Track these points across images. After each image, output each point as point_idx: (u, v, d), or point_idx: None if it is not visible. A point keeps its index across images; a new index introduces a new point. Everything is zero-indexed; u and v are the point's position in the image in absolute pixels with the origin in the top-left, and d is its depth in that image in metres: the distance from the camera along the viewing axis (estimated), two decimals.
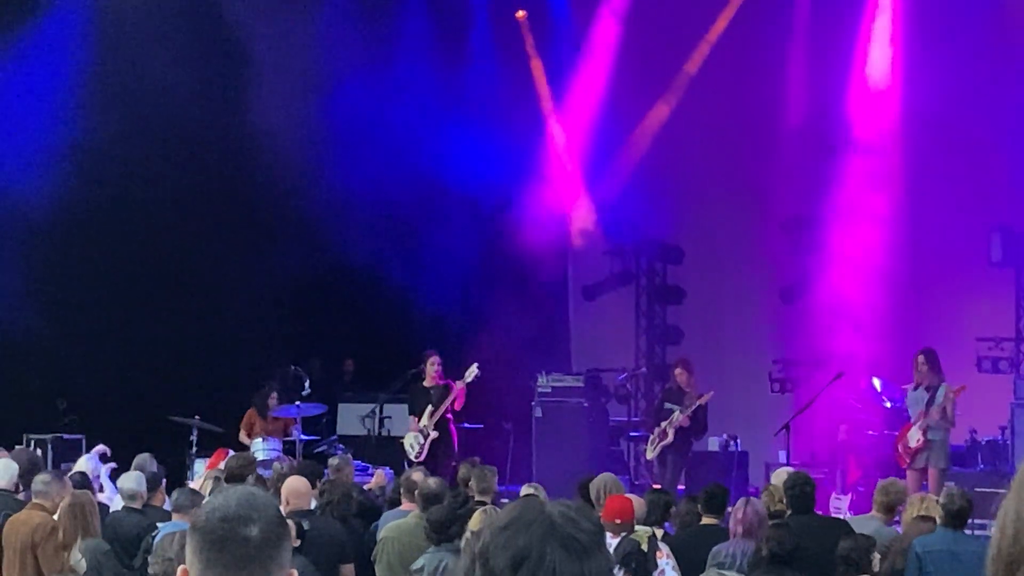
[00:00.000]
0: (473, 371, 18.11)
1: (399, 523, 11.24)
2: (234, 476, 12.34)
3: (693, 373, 18.30)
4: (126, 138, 19.28)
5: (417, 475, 12.29)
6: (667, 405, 18.21)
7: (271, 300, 20.55)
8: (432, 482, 11.50)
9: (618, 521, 10.27)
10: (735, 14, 21.90)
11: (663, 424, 17.97)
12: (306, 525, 10.99)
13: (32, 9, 19.22)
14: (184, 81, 19.03)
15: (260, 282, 20.11)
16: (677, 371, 18.42)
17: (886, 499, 11.75)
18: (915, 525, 10.88)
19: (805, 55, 21.39)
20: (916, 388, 16.17)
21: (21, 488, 12.21)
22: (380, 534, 11.17)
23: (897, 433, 16.66)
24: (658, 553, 10.21)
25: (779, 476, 12.62)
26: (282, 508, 10.86)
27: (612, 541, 10.08)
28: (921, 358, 16.26)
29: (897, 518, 11.90)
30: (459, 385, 18.21)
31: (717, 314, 22.06)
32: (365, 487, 14.88)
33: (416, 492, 11.60)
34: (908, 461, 15.89)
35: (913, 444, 15.83)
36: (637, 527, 10.46)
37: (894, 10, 21.00)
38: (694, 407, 17.84)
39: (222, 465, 14.51)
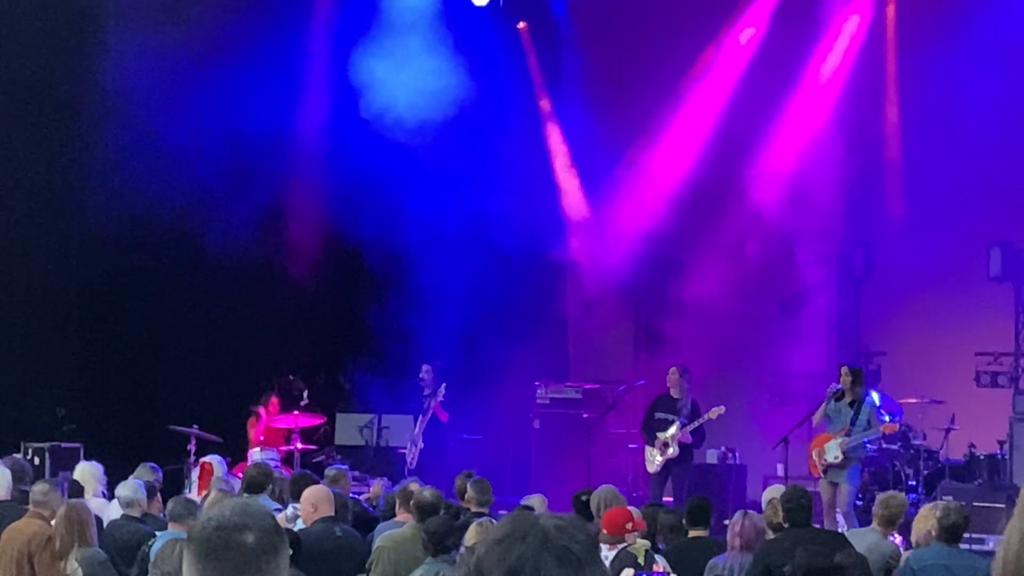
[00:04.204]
0: (441, 390, 18.44)
1: (394, 533, 11.19)
2: (255, 485, 12.31)
3: (687, 381, 18.17)
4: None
5: (414, 486, 12.26)
6: (658, 415, 18.00)
7: (271, 309, 20.55)
8: (427, 493, 11.43)
9: (615, 533, 10.27)
10: (737, 25, 21.95)
11: (663, 436, 17.78)
12: (339, 531, 11.05)
13: None
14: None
15: (259, 291, 20.12)
16: (672, 379, 18.25)
17: (886, 512, 11.71)
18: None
19: (808, 66, 21.42)
20: (840, 400, 16.17)
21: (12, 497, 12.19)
22: (375, 543, 11.12)
23: (812, 440, 16.63)
24: (655, 566, 10.20)
25: (773, 492, 12.58)
26: (309, 516, 11.00)
27: (609, 554, 10.07)
28: (844, 370, 16.38)
29: (893, 535, 11.87)
30: (433, 403, 18.53)
31: (716, 326, 22.02)
32: (362, 496, 14.88)
33: (411, 503, 11.58)
34: (821, 473, 15.98)
35: (831, 458, 15.90)
36: (636, 540, 10.45)
37: (892, 25, 21.05)
38: (701, 422, 17.67)
39: (220, 474, 14.49)
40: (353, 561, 11.06)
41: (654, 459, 17.80)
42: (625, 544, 10.25)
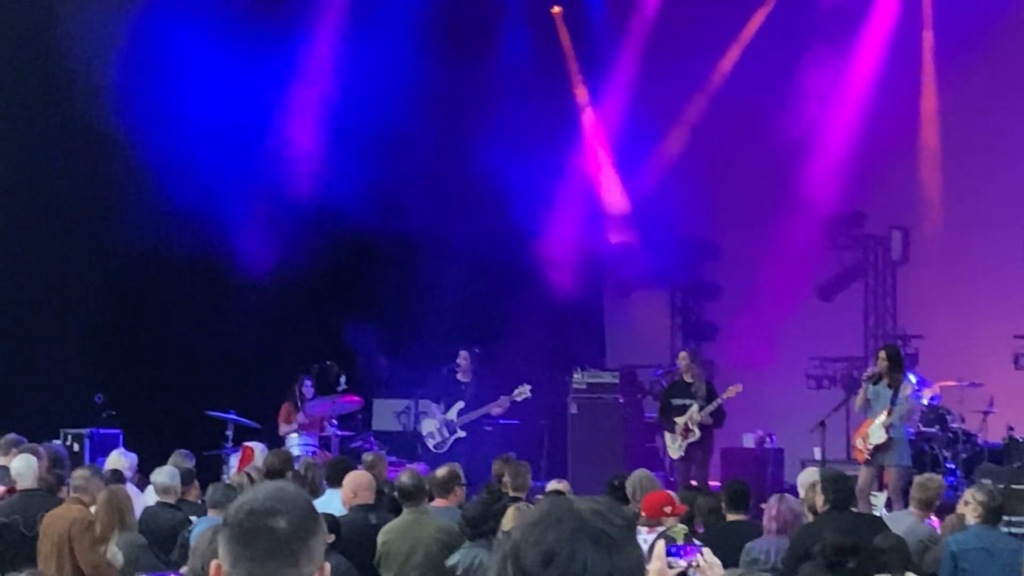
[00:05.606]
0: (525, 392, 18.43)
1: (393, 526, 10.85)
2: (274, 472, 12.35)
3: (699, 366, 18.02)
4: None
5: (443, 470, 12.20)
6: (675, 401, 17.80)
7: (307, 294, 20.60)
8: (405, 477, 11.15)
9: (655, 517, 10.28)
10: (772, 8, 21.84)
11: (681, 420, 17.58)
12: (374, 519, 11.00)
13: None
14: None
15: (295, 276, 20.17)
16: (682, 364, 18.11)
17: (924, 495, 11.68)
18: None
19: (840, 50, 21.33)
20: (878, 383, 15.95)
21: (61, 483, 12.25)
22: (380, 543, 10.74)
23: (856, 430, 16.49)
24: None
25: (809, 475, 12.56)
26: (348, 501, 10.95)
27: (648, 537, 10.07)
28: (882, 354, 16.10)
29: (931, 518, 11.83)
30: (506, 401, 18.55)
31: (753, 311, 21.98)
32: None
33: (395, 488, 11.46)
34: (868, 457, 15.76)
35: (875, 440, 15.67)
36: (675, 524, 10.44)
37: (929, 9, 20.94)
38: (717, 404, 17.50)
39: (259, 463, 14.56)
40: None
41: (675, 445, 17.66)
42: (664, 528, 10.25)
